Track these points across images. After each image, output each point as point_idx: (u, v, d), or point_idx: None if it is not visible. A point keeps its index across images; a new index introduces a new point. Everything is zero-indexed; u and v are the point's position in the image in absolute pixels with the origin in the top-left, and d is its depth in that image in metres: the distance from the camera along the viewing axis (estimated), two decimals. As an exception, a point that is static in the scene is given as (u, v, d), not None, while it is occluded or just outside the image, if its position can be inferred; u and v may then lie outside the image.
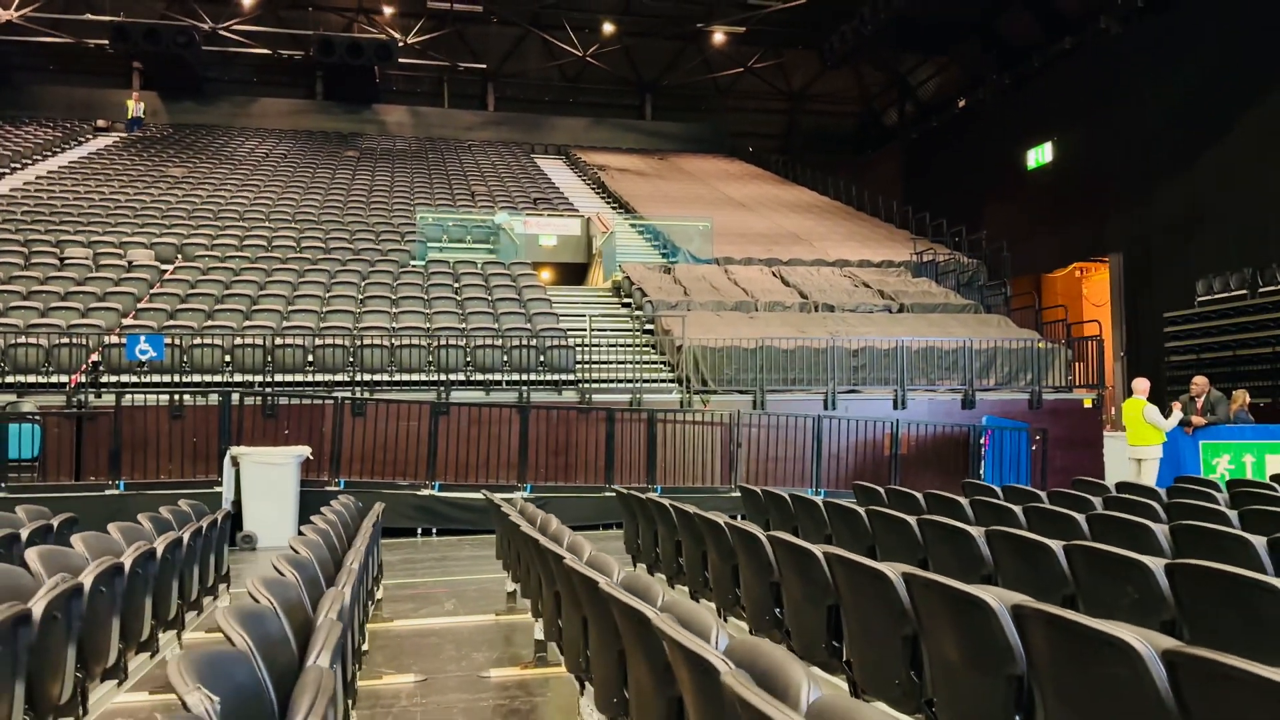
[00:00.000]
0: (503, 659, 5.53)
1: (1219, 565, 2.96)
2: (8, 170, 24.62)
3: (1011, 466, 13.57)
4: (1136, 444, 11.97)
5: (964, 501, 6.29)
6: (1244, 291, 18.27)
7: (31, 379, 12.93)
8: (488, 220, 21.66)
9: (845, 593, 3.42)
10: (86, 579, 3.51)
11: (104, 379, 13.05)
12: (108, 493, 11.13)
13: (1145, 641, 2.05)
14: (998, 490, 7.35)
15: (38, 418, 12.01)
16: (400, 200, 24.38)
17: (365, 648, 5.24)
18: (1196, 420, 12.23)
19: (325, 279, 17.30)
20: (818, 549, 3.55)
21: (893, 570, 3.06)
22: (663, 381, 15.08)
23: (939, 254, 22.14)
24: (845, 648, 3.52)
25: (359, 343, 13.98)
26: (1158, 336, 20.62)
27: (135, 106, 31.08)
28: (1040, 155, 26.97)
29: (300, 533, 4.45)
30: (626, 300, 18.62)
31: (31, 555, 3.61)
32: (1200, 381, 12.52)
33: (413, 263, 19.17)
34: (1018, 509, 5.58)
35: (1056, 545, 3.78)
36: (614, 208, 25.82)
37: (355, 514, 6.78)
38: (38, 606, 3.12)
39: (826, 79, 37.03)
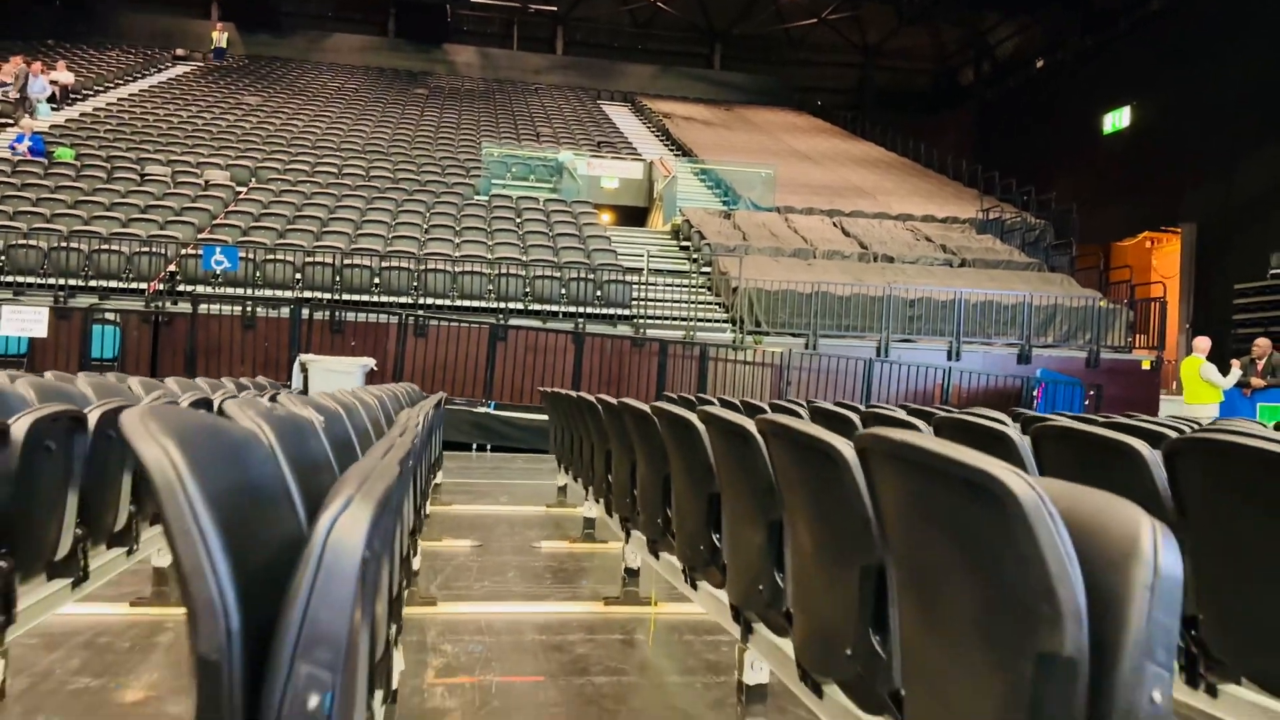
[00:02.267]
0: (553, 536, 5.84)
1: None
2: (91, 92, 25.40)
3: (1063, 421, 13.53)
4: (1192, 402, 11.85)
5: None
6: (1320, 264, 17.80)
7: (113, 284, 13.54)
8: (551, 159, 21.86)
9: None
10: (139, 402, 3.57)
11: (180, 288, 13.62)
12: (183, 391, 11.69)
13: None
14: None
15: (118, 321, 12.61)
16: (466, 137, 24.68)
17: (427, 513, 5.56)
18: (1256, 382, 12.07)
19: (392, 207, 17.69)
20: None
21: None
22: (717, 321, 15.24)
23: (1006, 213, 21.84)
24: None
25: (423, 267, 14.36)
26: (1226, 309, 20.18)
27: (220, 37, 31.69)
28: (1118, 120, 26.29)
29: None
30: (685, 244, 18.74)
31: (81, 380, 3.79)
32: (1263, 343, 12.33)
33: (476, 196, 19.48)
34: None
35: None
36: (677, 154, 25.84)
37: (418, 394, 7.13)
38: (93, 415, 2.93)
39: (902, 35, 36.35)
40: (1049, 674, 1.07)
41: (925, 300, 15.16)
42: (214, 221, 15.99)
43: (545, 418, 12.06)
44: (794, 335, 14.68)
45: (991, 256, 18.67)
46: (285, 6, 33.87)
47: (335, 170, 20.04)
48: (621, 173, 22.24)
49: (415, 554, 3.99)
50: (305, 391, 11.27)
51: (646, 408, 3.11)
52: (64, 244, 13.63)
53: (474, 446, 12.23)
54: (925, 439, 1.26)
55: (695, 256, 17.71)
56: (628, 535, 3.83)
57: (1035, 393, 13.75)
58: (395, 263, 14.41)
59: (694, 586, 2.92)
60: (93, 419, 2.92)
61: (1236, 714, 2.10)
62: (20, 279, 13.26)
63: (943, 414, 3.54)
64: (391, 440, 2.14)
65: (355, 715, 1.12)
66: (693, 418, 2.57)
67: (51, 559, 2.73)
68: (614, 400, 3.64)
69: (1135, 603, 1.06)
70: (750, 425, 2.12)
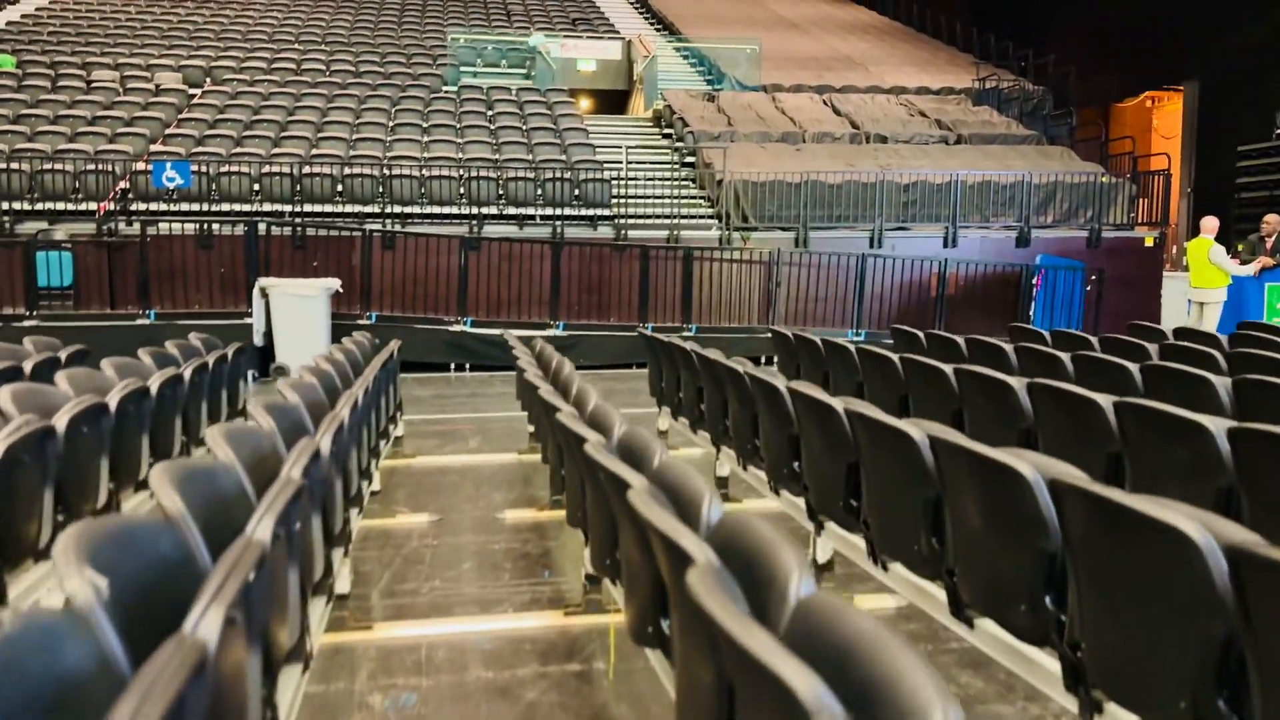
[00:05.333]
0: (519, 500, 5.43)
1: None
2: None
3: (1064, 308, 13.04)
4: (1200, 286, 11.35)
5: (1008, 348, 5.92)
6: (1331, 124, 16.96)
7: (61, 206, 12.81)
8: (523, 42, 20.64)
9: (866, 450, 3.13)
10: (113, 399, 3.54)
11: (133, 206, 12.89)
12: (139, 322, 11.14)
13: (1204, 529, 1.74)
14: (1045, 335, 6.95)
15: (69, 246, 11.93)
16: (433, 19, 23.30)
17: (376, 487, 5.14)
18: (1265, 261, 11.53)
19: (355, 105, 16.72)
20: (838, 403, 3.25)
21: (917, 430, 2.75)
22: (702, 217, 14.56)
23: (1002, 80, 20.79)
24: (864, 506, 3.27)
25: (389, 173, 13.59)
26: (1229, 171, 19.42)
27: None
28: (1120, -30, 24.77)
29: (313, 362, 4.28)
30: (667, 131, 17.83)
31: (5, 394, 3.45)
32: (1273, 219, 11.73)
33: (445, 88, 18.44)
34: (1065, 357, 5.20)
35: (1105, 401, 3.44)
36: (658, 29, 24.48)
37: (368, 351, 6.62)
38: (61, 421, 3.20)
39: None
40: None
41: (920, 184, 14.45)
42: (166, 130, 15.08)
43: (523, 334, 11.56)
44: (783, 229, 14.03)
45: (989, 130, 17.80)
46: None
47: (294, 65, 18.91)
48: (599, 54, 21.04)
49: (343, 562, 3.58)
50: (268, 318, 10.73)
51: (585, 433, 2.62)
52: (6, 165, 12.83)
53: (451, 366, 11.77)
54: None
55: (678, 146, 16.86)
56: (586, 539, 3.44)
57: (1035, 280, 13.22)
58: (359, 169, 13.63)
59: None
60: (61, 425, 3.17)
61: None
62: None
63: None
64: (273, 495, 2.01)
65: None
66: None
67: (36, 548, 3.05)
68: (560, 404, 3.16)
69: None
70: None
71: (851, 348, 5.62)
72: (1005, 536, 2.37)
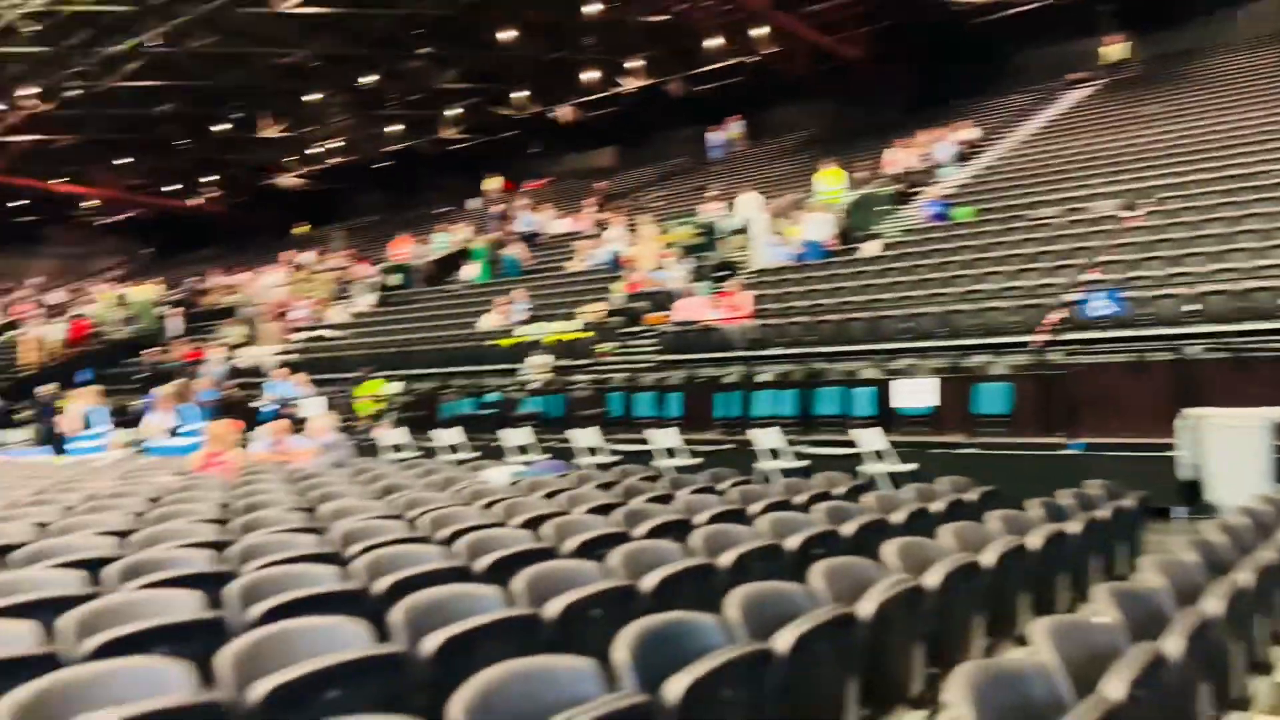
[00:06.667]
0: None
1: None
2: (991, 143, 26.85)
3: None
4: None
5: None
6: None
7: (1001, 340, 14.01)
8: None
9: None
10: (990, 556, 3.93)
11: (1067, 335, 13.40)
12: (1064, 452, 11.40)
13: None
14: None
15: (1009, 377, 12.95)
16: None
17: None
18: None
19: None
20: None
21: None
22: None
23: None
24: None
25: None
26: None
27: (1112, 50, 30.32)
28: None
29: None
30: None
31: (892, 549, 3.94)
32: None
33: None
34: None
35: None
36: None
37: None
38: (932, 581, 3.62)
39: None
40: None
41: None
42: (1098, 258, 15.38)
43: None
44: None
45: None
46: (1183, -10, 30.72)
47: (1243, 172, 17.45)
48: None
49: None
50: (1199, 450, 9.98)
51: None
52: (957, 307, 14.68)
53: None
54: None
55: None
56: None
57: None
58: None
59: None
60: (934, 582, 3.65)
61: None
62: (920, 344, 14.64)
63: None
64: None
65: None
66: None
67: (907, 696, 3.50)
68: None
69: None
70: None
71: None
72: None
